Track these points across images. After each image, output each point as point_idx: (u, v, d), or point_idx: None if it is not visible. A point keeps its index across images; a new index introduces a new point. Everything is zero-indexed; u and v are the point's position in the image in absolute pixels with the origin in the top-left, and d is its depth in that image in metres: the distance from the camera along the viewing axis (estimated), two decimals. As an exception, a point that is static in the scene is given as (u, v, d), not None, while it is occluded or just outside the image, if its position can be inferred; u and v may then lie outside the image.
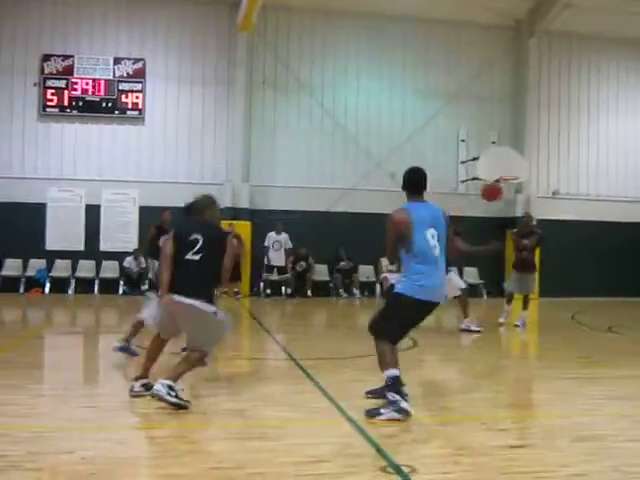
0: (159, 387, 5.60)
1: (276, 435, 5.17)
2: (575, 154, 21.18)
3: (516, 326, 12.33)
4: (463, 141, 20.45)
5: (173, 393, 5.58)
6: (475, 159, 19.48)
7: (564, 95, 21.15)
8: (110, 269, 18.46)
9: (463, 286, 11.82)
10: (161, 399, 5.57)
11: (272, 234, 18.29)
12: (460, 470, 4.40)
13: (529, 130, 20.60)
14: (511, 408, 6.55)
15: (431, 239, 5.68)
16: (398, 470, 4.28)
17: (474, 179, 19.65)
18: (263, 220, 18.39)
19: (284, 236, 18.32)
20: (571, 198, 20.84)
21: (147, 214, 17.65)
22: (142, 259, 16.74)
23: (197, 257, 5.97)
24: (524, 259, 12.59)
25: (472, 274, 19.56)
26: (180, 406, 5.58)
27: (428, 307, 5.72)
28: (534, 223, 13.46)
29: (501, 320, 12.56)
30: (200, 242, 5.97)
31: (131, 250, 18.14)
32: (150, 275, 15.39)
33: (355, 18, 19.77)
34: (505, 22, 20.51)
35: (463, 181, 20.28)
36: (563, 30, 20.50)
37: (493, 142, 20.22)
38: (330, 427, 5.50)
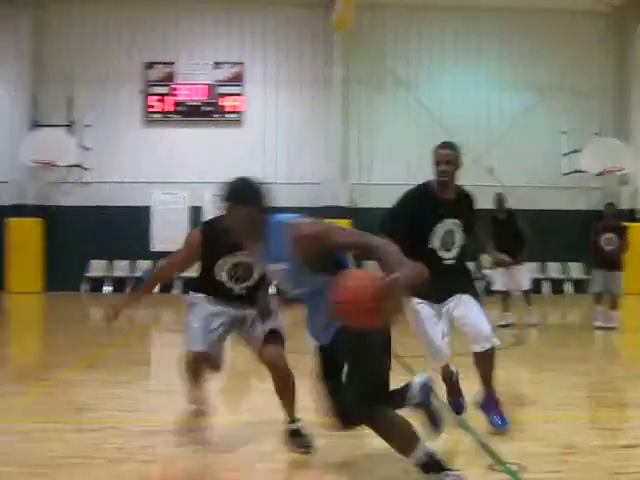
0: None
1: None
2: (685, 142, 20.29)
3: (608, 328, 11.22)
4: (564, 133, 19.90)
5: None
6: (577, 151, 18.99)
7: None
8: (213, 269, 18.85)
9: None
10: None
11: None
12: (570, 469, 4.31)
13: (635, 119, 19.85)
14: (617, 407, 6.34)
15: None
16: (506, 468, 4.24)
17: (577, 172, 19.15)
18: (363, 218, 18.40)
19: None
20: (681, 189, 19.98)
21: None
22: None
23: None
24: (609, 255, 11.38)
25: (576, 269, 19.08)
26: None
27: None
28: None
29: (597, 324, 11.38)
30: None
31: (233, 250, 18.49)
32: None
33: (450, 12, 19.56)
34: (602, 9, 19.78)
35: (566, 174, 19.76)
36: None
37: (595, 133, 19.59)
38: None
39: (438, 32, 19.79)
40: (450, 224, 5.06)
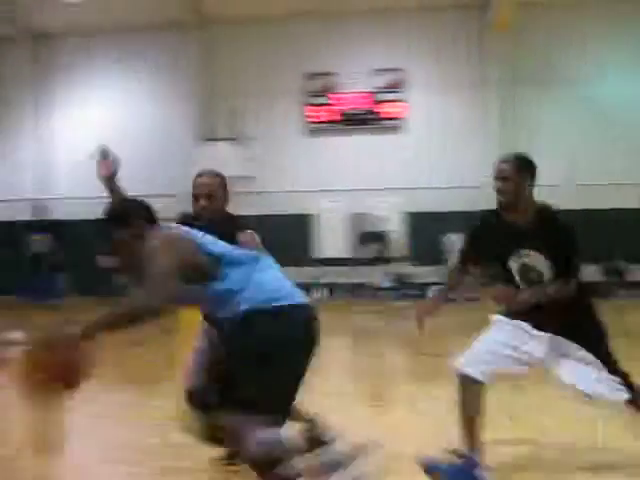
0: None
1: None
2: None
3: None
4: None
5: None
6: None
7: None
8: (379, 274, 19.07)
9: None
10: None
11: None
12: None
13: None
14: None
15: None
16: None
17: None
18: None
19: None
20: None
21: (411, 220, 18.43)
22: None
23: None
24: None
25: None
26: None
27: None
28: None
29: None
30: None
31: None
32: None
33: (616, 7, 18.67)
34: None
35: None
36: None
37: None
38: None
39: (605, 29, 18.88)
40: (528, 256, 4.05)
